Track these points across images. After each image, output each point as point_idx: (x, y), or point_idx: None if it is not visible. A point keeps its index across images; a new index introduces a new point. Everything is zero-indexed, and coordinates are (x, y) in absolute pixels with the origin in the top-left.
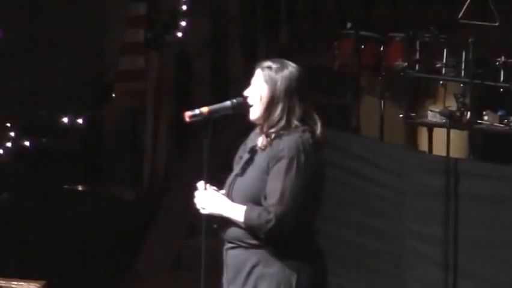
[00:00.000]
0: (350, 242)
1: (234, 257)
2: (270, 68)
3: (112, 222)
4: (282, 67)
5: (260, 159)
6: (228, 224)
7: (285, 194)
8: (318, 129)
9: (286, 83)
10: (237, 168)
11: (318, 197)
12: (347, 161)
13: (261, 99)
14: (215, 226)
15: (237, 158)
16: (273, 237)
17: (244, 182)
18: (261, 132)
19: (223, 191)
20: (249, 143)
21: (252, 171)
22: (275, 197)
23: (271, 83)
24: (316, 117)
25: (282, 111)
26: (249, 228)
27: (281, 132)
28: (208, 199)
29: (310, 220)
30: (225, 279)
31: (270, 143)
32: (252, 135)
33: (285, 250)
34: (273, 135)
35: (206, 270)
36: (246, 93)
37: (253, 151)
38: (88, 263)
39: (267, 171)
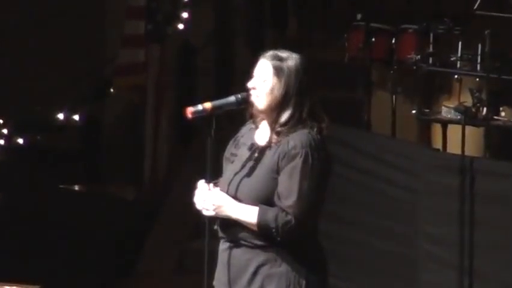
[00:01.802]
0: (360, 243)
1: (237, 257)
2: (280, 59)
3: (112, 222)
4: (292, 58)
5: (267, 157)
6: (229, 224)
7: (302, 194)
8: (325, 123)
9: (298, 76)
10: (232, 166)
11: (325, 195)
12: (357, 159)
13: (272, 93)
14: (215, 227)
15: (227, 154)
16: (290, 239)
17: (251, 182)
18: (269, 128)
19: (218, 188)
20: (243, 140)
21: (260, 171)
22: (292, 197)
23: (285, 76)
24: (321, 111)
25: (295, 107)
26: (263, 230)
27: (291, 129)
28: (215, 201)
29: (317, 218)
30: (220, 280)
31: (277, 140)
32: (245, 130)
33: (292, 250)
34: (283, 133)
35: (208, 271)
36: (251, 84)
37: (255, 148)
38: (87, 263)
39: (276, 170)
